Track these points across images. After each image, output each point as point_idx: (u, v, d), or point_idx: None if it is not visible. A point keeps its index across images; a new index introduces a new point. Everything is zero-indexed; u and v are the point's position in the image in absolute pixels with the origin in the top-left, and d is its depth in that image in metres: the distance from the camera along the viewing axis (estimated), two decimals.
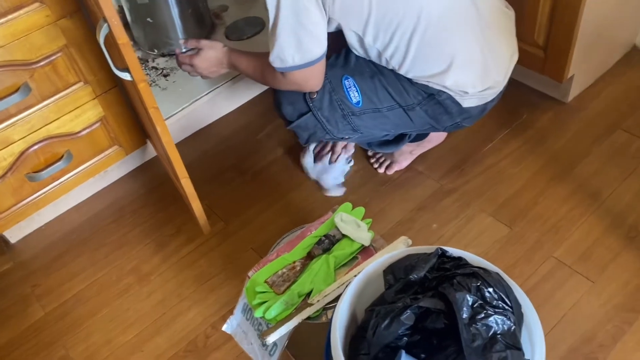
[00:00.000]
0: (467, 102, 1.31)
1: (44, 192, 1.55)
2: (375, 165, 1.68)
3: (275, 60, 1.20)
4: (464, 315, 0.91)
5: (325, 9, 1.17)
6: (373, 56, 1.28)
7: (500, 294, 0.95)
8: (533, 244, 1.43)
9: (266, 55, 1.25)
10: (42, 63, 1.36)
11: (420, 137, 1.61)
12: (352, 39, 1.25)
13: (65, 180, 1.57)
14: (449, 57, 1.23)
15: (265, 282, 1.18)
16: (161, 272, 1.53)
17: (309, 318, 1.11)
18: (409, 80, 1.28)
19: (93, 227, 1.66)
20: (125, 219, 1.67)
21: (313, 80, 1.27)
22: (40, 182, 1.52)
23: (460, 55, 1.23)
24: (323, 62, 1.24)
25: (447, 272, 0.99)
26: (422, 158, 1.67)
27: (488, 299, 0.94)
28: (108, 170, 1.70)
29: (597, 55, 1.71)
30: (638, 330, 1.25)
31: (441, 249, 1.03)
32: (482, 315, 0.91)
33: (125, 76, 1.15)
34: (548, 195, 1.53)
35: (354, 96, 1.30)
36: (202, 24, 1.89)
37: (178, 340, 1.39)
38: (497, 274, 0.98)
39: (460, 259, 1.03)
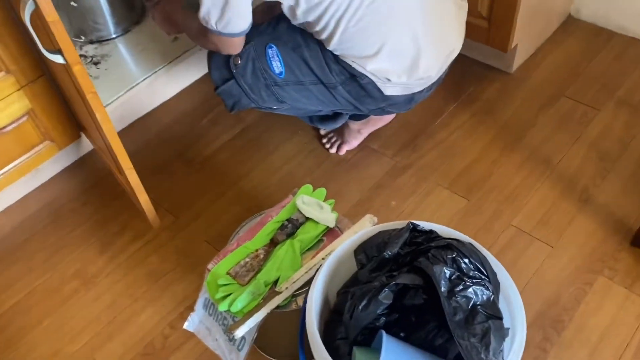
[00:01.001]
0: (389, 90, 1.28)
1: None
2: (327, 146, 1.64)
3: (202, 19, 1.17)
4: (443, 289, 0.88)
5: None
6: (304, 26, 1.24)
7: (476, 263, 0.93)
8: (491, 214, 1.44)
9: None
10: None
11: (363, 115, 1.57)
12: (285, 7, 1.21)
13: None
14: (377, 44, 1.20)
15: (228, 273, 1.11)
16: (108, 272, 1.42)
17: (278, 307, 1.05)
18: (335, 57, 1.25)
19: (28, 231, 1.52)
20: (64, 219, 1.54)
21: (232, 48, 1.25)
22: None
23: (390, 44, 1.20)
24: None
25: (420, 247, 0.96)
26: (375, 136, 1.64)
27: (465, 270, 0.92)
28: (40, 168, 1.56)
29: (538, 25, 1.74)
30: (598, 290, 1.28)
31: (412, 223, 1.00)
32: (461, 287, 0.89)
33: (57, 59, 1.04)
34: (501, 165, 1.54)
35: (277, 66, 1.27)
36: (131, 7, 1.77)
37: (134, 343, 1.29)
38: (471, 244, 0.96)
39: (431, 232, 1.00)
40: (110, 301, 1.37)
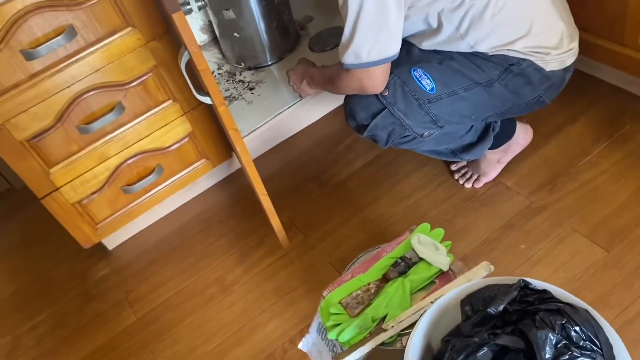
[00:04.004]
0: (550, 65, 1.27)
1: (137, 203, 1.64)
2: (461, 181, 1.62)
3: (349, 56, 1.20)
4: (546, 356, 0.85)
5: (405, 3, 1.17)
6: (446, 36, 1.25)
7: (589, 333, 0.88)
8: (633, 270, 1.31)
9: (335, 64, 1.32)
10: (134, 83, 1.44)
11: (504, 138, 1.52)
12: (432, 17, 1.24)
13: (156, 191, 1.66)
14: (526, 22, 1.22)
15: (340, 303, 1.17)
16: (243, 282, 1.57)
17: (383, 344, 1.09)
18: (483, 56, 1.26)
19: (181, 236, 1.74)
20: (211, 229, 1.74)
21: (378, 80, 1.25)
22: (134, 194, 1.61)
23: (538, 19, 1.23)
24: (389, 64, 1.24)
25: (529, 307, 0.93)
26: (511, 172, 1.59)
27: (574, 339, 0.87)
28: (196, 181, 1.78)
29: None
30: None
31: (524, 280, 0.97)
32: (567, 357, 0.85)
33: (206, 100, 1.18)
34: None
35: (427, 84, 1.28)
36: (286, 36, 1.92)
37: (257, 352, 1.42)
38: (586, 310, 0.91)
39: (545, 291, 0.96)
40: (242, 309, 1.52)
